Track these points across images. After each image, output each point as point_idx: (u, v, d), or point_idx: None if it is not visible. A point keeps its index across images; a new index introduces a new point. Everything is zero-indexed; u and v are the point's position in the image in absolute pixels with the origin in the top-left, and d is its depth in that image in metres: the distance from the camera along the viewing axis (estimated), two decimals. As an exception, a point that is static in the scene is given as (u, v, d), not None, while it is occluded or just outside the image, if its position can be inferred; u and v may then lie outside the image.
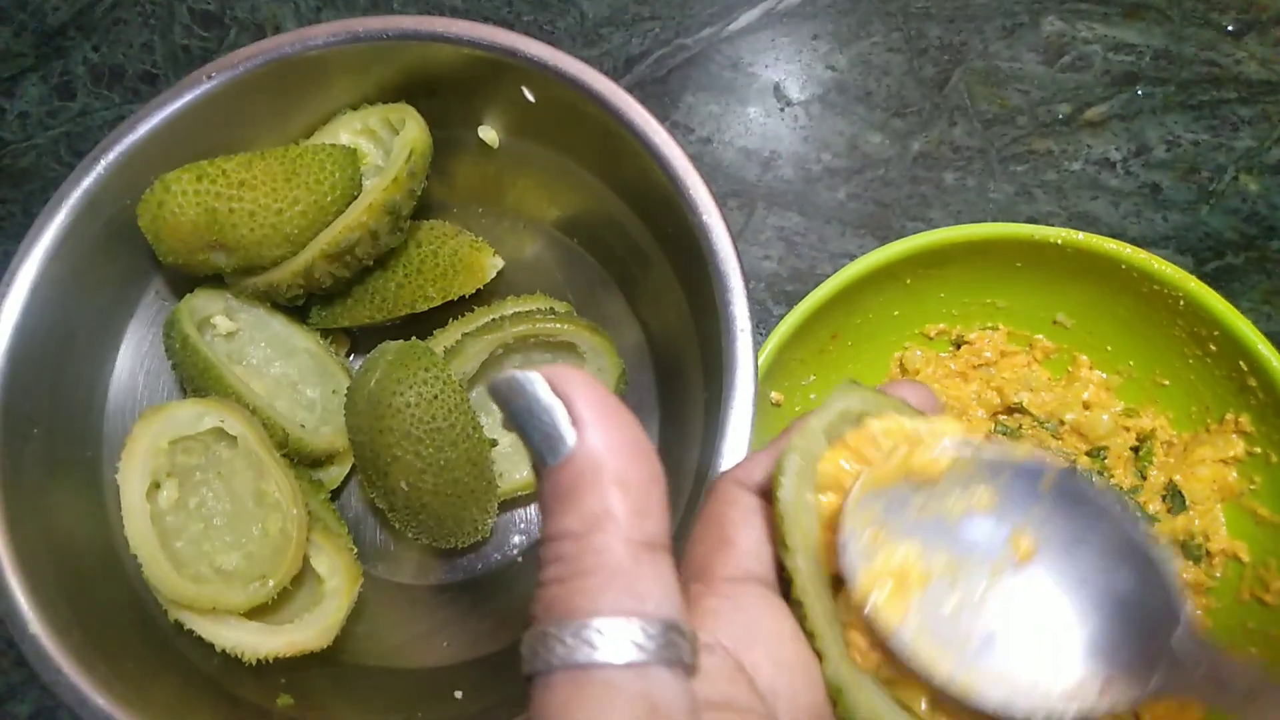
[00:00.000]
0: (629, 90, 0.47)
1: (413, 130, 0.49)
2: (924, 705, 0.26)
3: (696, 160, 0.46)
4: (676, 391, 0.52)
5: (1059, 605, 0.26)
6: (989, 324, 0.54)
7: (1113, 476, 0.52)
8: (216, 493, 0.47)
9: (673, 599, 0.24)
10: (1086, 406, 0.53)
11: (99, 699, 0.41)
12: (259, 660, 0.45)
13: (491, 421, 0.54)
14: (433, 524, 0.49)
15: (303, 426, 0.51)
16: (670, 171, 0.46)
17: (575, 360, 0.52)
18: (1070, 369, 0.54)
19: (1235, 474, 0.49)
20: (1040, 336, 0.54)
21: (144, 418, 0.46)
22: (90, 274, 0.48)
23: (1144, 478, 0.51)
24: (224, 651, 0.46)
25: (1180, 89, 0.63)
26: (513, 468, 0.52)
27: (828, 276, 0.49)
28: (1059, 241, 0.48)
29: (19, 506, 0.44)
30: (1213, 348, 0.48)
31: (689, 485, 0.46)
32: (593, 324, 0.51)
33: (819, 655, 0.26)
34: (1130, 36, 0.64)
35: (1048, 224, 0.49)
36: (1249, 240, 0.60)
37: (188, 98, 0.48)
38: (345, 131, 0.51)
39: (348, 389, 0.49)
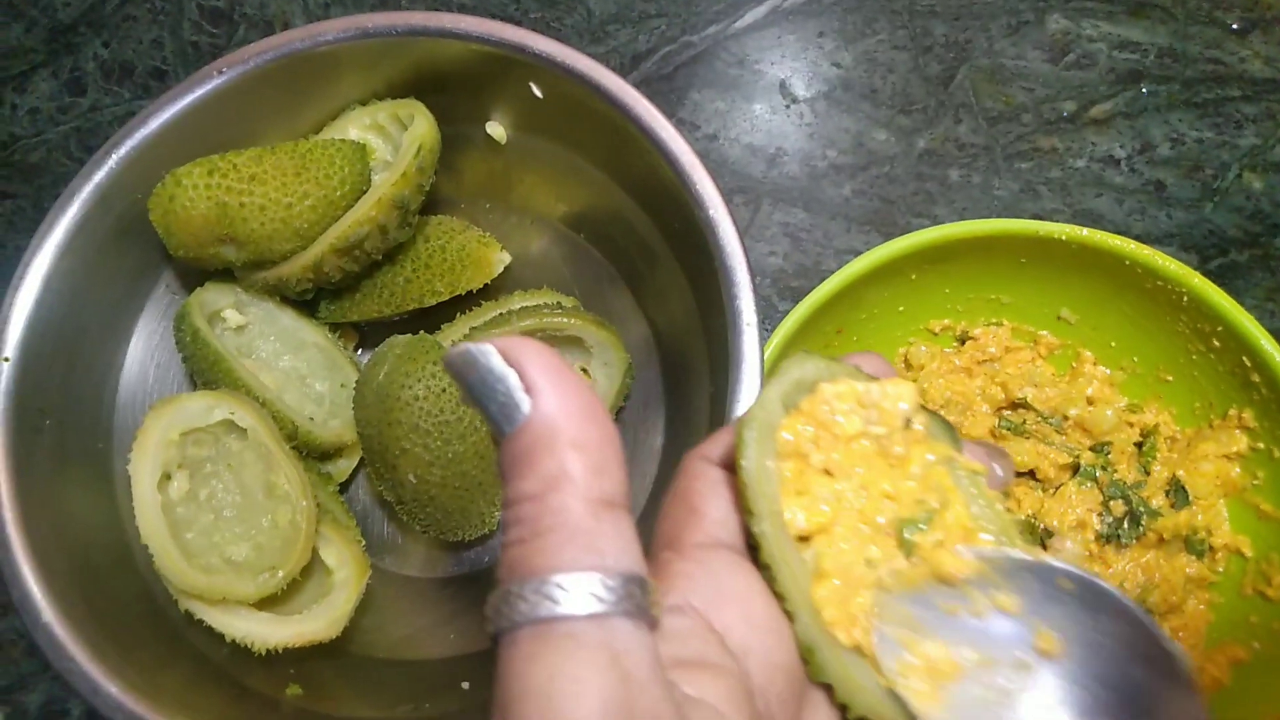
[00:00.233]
0: (635, 87, 0.47)
1: (422, 126, 0.50)
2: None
3: (702, 157, 0.46)
4: (683, 386, 0.52)
5: (1084, 699, 0.28)
6: (993, 320, 0.54)
7: (1116, 472, 0.52)
8: (226, 484, 0.47)
9: (632, 553, 0.24)
10: (1090, 402, 0.53)
11: (111, 687, 0.42)
12: (268, 650, 0.46)
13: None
14: (440, 516, 0.49)
15: (311, 419, 0.51)
16: (677, 167, 0.46)
17: (583, 355, 0.53)
18: (1074, 365, 0.54)
19: (1238, 469, 0.49)
20: (1044, 332, 0.54)
21: (155, 410, 0.46)
22: (101, 268, 0.49)
23: (1147, 473, 0.52)
24: (234, 641, 0.46)
25: (1185, 87, 0.63)
26: (520, 461, 0.53)
27: (832, 272, 0.50)
28: (1063, 237, 0.49)
29: (31, 497, 0.44)
30: (1216, 343, 0.48)
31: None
32: (600, 319, 0.52)
33: (789, 616, 0.27)
34: (1135, 34, 0.64)
35: (1052, 221, 0.49)
36: (1253, 238, 0.61)
37: (198, 92, 0.48)
38: (354, 127, 0.52)
39: (356, 382, 0.50)
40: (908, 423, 0.29)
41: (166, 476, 0.46)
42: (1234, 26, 0.64)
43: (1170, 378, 0.52)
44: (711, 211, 0.45)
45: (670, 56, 0.66)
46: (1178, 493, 0.50)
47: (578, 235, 0.57)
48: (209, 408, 0.47)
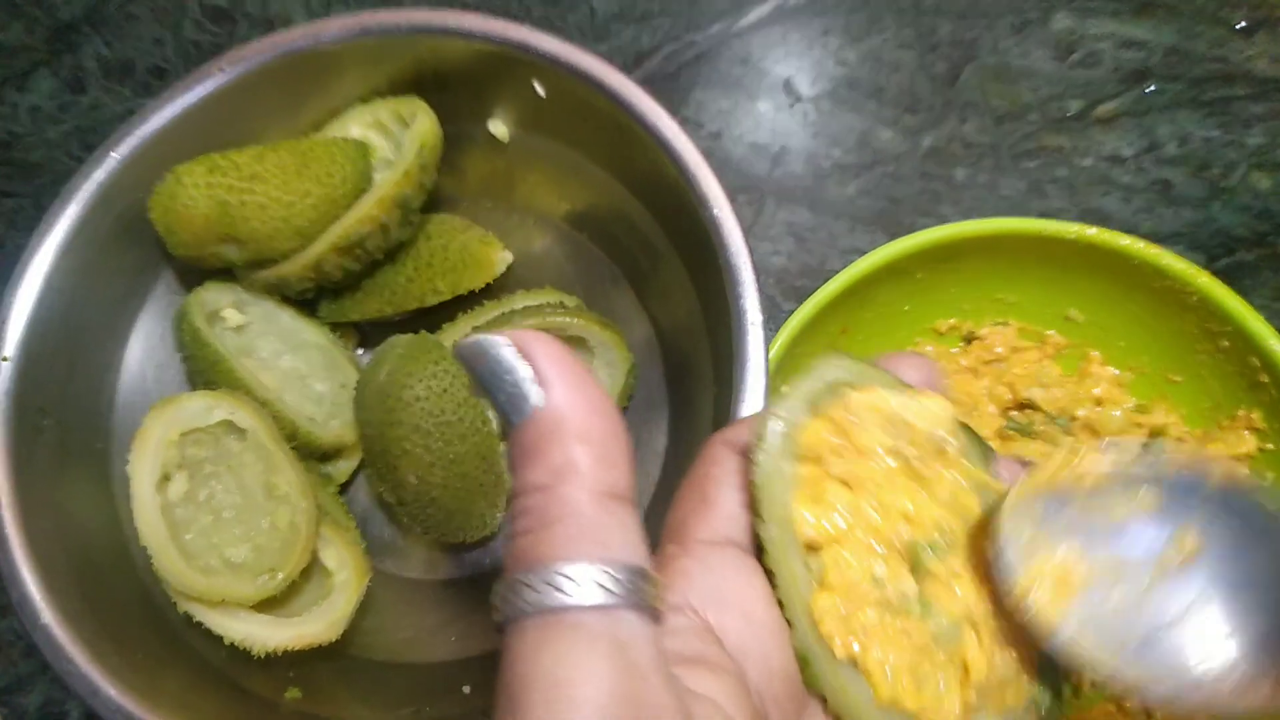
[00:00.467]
0: (639, 86, 0.47)
1: (424, 124, 0.49)
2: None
3: (706, 156, 0.46)
4: (686, 386, 0.52)
5: (1224, 606, 0.27)
6: (1000, 319, 0.54)
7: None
8: (226, 485, 0.47)
9: (637, 546, 0.24)
10: (1098, 403, 0.53)
11: (110, 689, 0.41)
12: (267, 653, 0.46)
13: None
14: (441, 518, 0.49)
15: (312, 420, 0.51)
16: (681, 166, 0.46)
17: (585, 354, 0.52)
18: (1082, 365, 0.54)
19: (1247, 470, 0.49)
20: (1052, 332, 0.54)
21: (154, 410, 0.46)
22: (101, 266, 0.48)
23: (1155, 474, 0.51)
24: (233, 644, 0.46)
25: (1191, 86, 0.63)
26: (522, 462, 0.52)
27: (837, 272, 0.49)
28: (1071, 237, 0.48)
29: (31, 498, 0.44)
30: (1224, 343, 0.48)
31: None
32: (603, 318, 0.51)
33: (788, 623, 0.27)
34: (1141, 33, 0.64)
35: (1059, 220, 0.49)
36: (1260, 237, 0.60)
37: (199, 91, 0.48)
38: (356, 125, 0.51)
39: (357, 383, 0.49)
40: (940, 445, 0.28)
41: (166, 477, 0.46)
42: (1240, 25, 0.63)
43: (1178, 378, 0.51)
44: (716, 210, 0.45)
45: (674, 55, 0.65)
46: (1186, 494, 0.50)
47: (580, 234, 0.56)
48: (209, 408, 0.46)
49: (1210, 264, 0.60)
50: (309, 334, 0.52)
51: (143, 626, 0.46)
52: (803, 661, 0.26)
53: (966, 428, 0.29)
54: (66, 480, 0.47)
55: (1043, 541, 0.27)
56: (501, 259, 0.53)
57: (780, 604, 0.27)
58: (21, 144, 0.65)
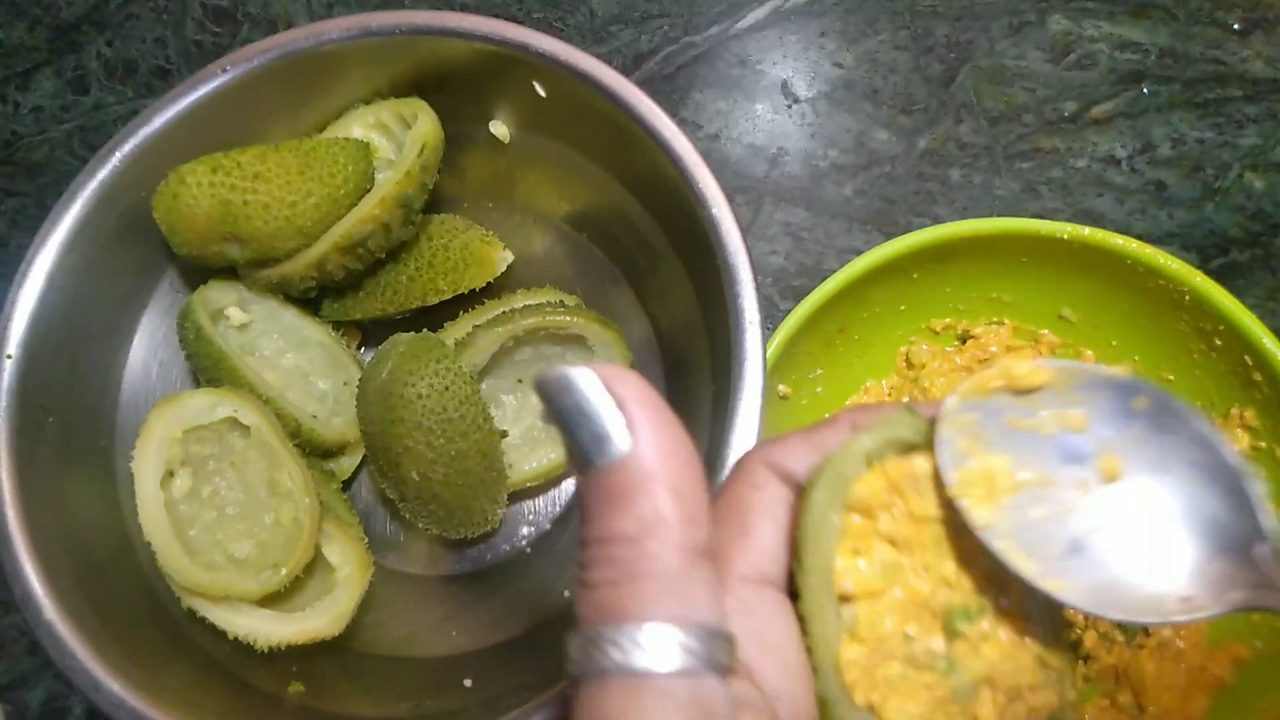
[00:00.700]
0: (638, 87, 0.47)
1: (425, 124, 0.50)
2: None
3: (704, 156, 0.46)
4: (684, 385, 0.52)
5: (1145, 522, 0.27)
6: (995, 319, 0.55)
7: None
8: (230, 482, 0.48)
9: (719, 606, 0.24)
10: (1092, 401, 0.53)
11: (113, 685, 0.42)
12: (271, 648, 0.46)
13: (501, 413, 0.54)
14: (443, 514, 0.49)
15: (314, 417, 0.51)
16: (680, 166, 0.46)
17: (585, 353, 0.53)
18: (1075, 364, 0.54)
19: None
20: (1045, 331, 0.54)
21: (158, 407, 0.46)
22: (105, 265, 0.49)
23: (1149, 472, 0.52)
24: (236, 639, 0.46)
25: (1186, 87, 0.63)
26: (522, 459, 0.53)
27: (834, 272, 0.50)
28: (1065, 236, 0.49)
29: (34, 495, 0.44)
30: (1218, 342, 0.48)
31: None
32: (602, 317, 0.52)
33: (814, 669, 0.27)
34: (1136, 35, 0.64)
35: (1053, 220, 0.50)
36: (1254, 237, 0.61)
37: (202, 91, 0.48)
38: (358, 125, 0.52)
39: (359, 380, 0.50)
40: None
41: (169, 474, 0.46)
42: (1235, 27, 0.64)
43: (1171, 377, 0.52)
44: (714, 210, 0.45)
45: (672, 57, 0.66)
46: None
47: (580, 234, 0.57)
48: (212, 405, 0.47)
49: (1204, 264, 0.60)
50: (312, 332, 0.53)
51: (146, 622, 0.46)
52: (822, 704, 0.27)
53: None
54: (70, 477, 0.47)
55: (977, 448, 0.28)
56: (502, 258, 0.54)
57: (808, 650, 0.27)
58: (24, 144, 0.66)
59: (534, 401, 0.55)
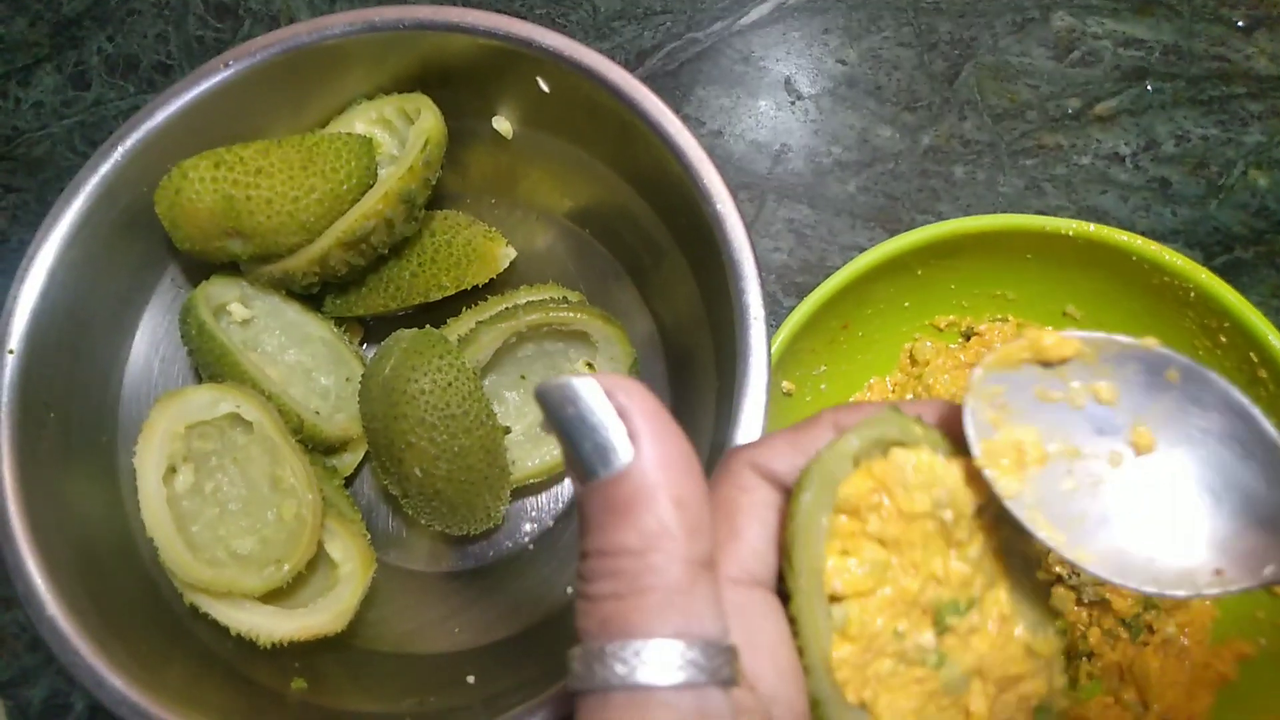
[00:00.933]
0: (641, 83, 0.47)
1: (428, 120, 0.50)
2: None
3: (707, 153, 0.46)
4: (688, 381, 0.52)
5: (1176, 495, 0.27)
6: (999, 315, 0.54)
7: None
8: (232, 478, 0.47)
9: (721, 618, 0.24)
10: (1096, 398, 0.53)
11: (116, 680, 0.42)
12: (273, 644, 0.46)
13: (504, 410, 0.54)
14: (446, 511, 0.49)
15: (317, 413, 0.51)
16: (684, 161, 0.46)
17: (588, 349, 0.53)
18: (1080, 361, 0.54)
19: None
20: (1050, 328, 0.54)
21: (160, 403, 0.46)
22: (107, 260, 0.48)
23: (1153, 469, 0.52)
24: (239, 635, 0.46)
25: (1190, 84, 0.63)
26: (525, 456, 0.53)
27: (837, 268, 0.50)
28: (1070, 233, 0.49)
29: (36, 490, 0.44)
30: (1223, 339, 0.48)
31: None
32: (605, 313, 0.52)
33: (805, 669, 0.27)
34: (1140, 32, 0.64)
35: (1057, 217, 0.50)
36: (1258, 235, 0.61)
37: (205, 86, 0.48)
38: (360, 121, 0.51)
39: (362, 376, 0.50)
40: (980, 510, 0.28)
41: (172, 470, 0.46)
42: (1240, 24, 0.64)
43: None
44: (719, 206, 0.45)
45: (675, 53, 0.65)
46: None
47: (583, 230, 0.57)
48: (215, 401, 0.47)
49: (1208, 261, 0.60)
50: (314, 328, 0.53)
51: (148, 618, 0.46)
52: (814, 703, 0.27)
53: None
54: (71, 473, 0.47)
55: (1004, 420, 0.28)
56: (505, 254, 0.53)
57: (800, 650, 0.27)
58: (25, 139, 0.66)
59: (537, 398, 0.54)
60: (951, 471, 0.28)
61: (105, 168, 0.47)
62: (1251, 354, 0.47)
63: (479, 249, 0.53)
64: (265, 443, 0.47)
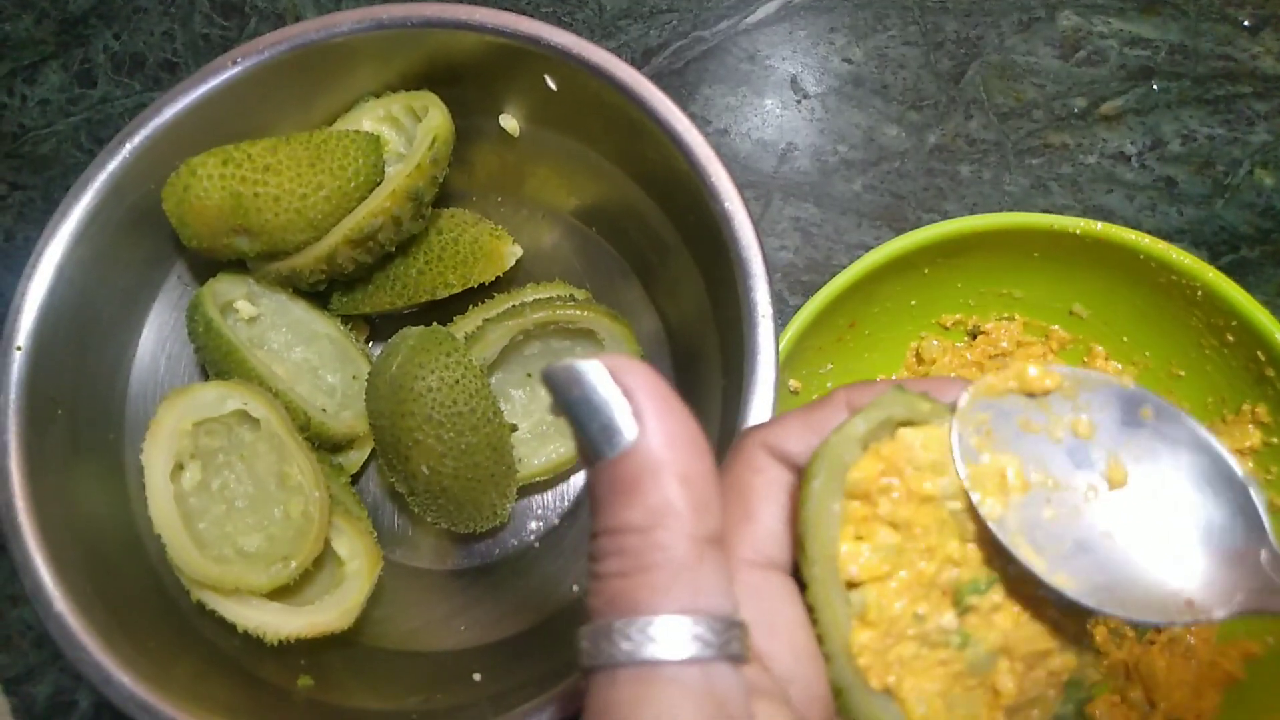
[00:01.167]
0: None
1: (436, 117, 0.50)
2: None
3: (715, 151, 0.46)
4: (694, 380, 0.52)
5: (1149, 527, 0.28)
6: (1005, 314, 0.54)
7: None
8: (239, 475, 0.47)
9: (730, 594, 0.24)
10: (1103, 397, 0.53)
11: (123, 677, 0.41)
12: (280, 641, 0.46)
13: (511, 408, 0.54)
14: (452, 508, 0.49)
15: (323, 411, 0.51)
16: (692, 160, 0.46)
17: (595, 347, 0.53)
18: (1086, 360, 0.54)
19: (1252, 464, 0.49)
20: (1056, 327, 0.54)
21: (168, 400, 0.46)
22: (114, 257, 0.49)
23: (1160, 468, 0.52)
24: (245, 632, 0.46)
25: (1196, 84, 0.63)
26: (532, 454, 0.53)
27: (843, 267, 0.50)
28: (1077, 231, 0.49)
29: (43, 487, 0.44)
30: (1230, 338, 0.48)
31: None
32: (612, 311, 0.52)
33: (825, 657, 0.27)
34: (1146, 31, 0.64)
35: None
36: (1264, 234, 0.61)
37: (213, 83, 0.48)
38: (368, 118, 0.52)
39: (369, 374, 0.50)
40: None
41: (179, 467, 0.46)
42: (1246, 23, 0.64)
43: (1182, 373, 0.52)
44: (727, 204, 0.45)
45: (681, 51, 0.65)
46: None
47: (589, 229, 0.57)
48: (222, 398, 0.47)
49: (1214, 261, 0.60)
50: (321, 326, 0.53)
51: (155, 615, 0.46)
52: (837, 691, 0.27)
53: None
54: (78, 470, 0.47)
55: (989, 447, 0.28)
56: (511, 253, 0.53)
57: (819, 638, 0.27)
58: (31, 137, 0.66)
59: (543, 396, 0.54)
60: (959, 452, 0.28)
61: (113, 164, 0.47)
62: (1259, 353, 0.47)
63: (485, 247, 0.53)
64: (272, 440, 0.47)
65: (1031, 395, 0.29)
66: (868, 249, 0.50)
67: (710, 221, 0.46)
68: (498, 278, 0.53)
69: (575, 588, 0.52)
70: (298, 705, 0.46)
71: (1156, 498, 0.28)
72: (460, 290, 0.53)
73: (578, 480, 0.55)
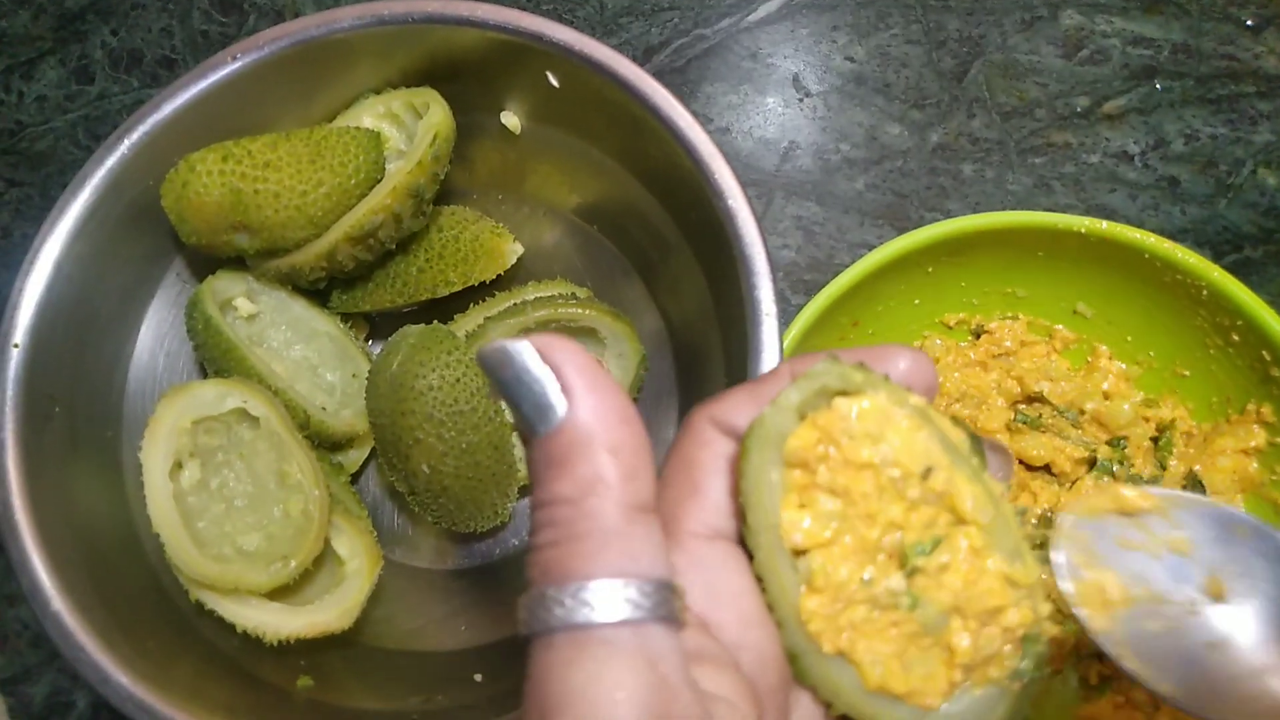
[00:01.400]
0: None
1: (437, 114, 0.49)
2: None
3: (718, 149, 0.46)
4: (696, 378, 0.52)
5: (1251, 639, 0.30)
6: (1009, 313, 0.54)
7: (1133, 466, 0.52)
8: (238, 473, 0.47)
9: (662, 558, 0.25)
10: (1106, 396, 0.53)
11: (121, 677, 0.41)
12: (279, 641, 0.46)
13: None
14: (453, 507, 0.49)
15: (323, 409, 0.51)
16: (696, 157, 0.46)
17: (597, 346, 0.52)
18: (1090, 359, 0.54)
19: (1256, 464, 0.49)
20: (1060, 326, 0.54)
21: (167, 397, 0.46)
22: (112, 254, 0.48)
23: (1164, 468, 0.51)
24: (244, 632, 0.46)
25: (1199, 83, 0.63)
26: (533, 452, 0.52)
27: (846, 266, 0.49)
28: (1082, 230, 0.48)
29: (41, 485, 0.44)
30: (1235, 337, 0.48)
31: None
32: (614, 309, 0.51)
33: (777, 624, 0.27)
34: (1149, 30, 0.64)
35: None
36: (1267, 234, 0.60)
37: (213, 79, 0.48)
38: (368, 115, 0.51)
39: (369, 372, 0.49)
40: (928, 473, 0.28)
41: (178, 465, 0.46)
42: (1248, 23, 0.64)
43: (1187, 372, 0.51)
44: (731, 201, 0.45)
45: (683, 49, 0.65)
46: (1195, 488, 0.50)
47: (590, 227, 0.56)
48: (221, 396, 0.46)
49: (1217, 260, 0.60)
50: (320, 324, 0.52)
51: (153, 614, 0.46)
52: (792, 657, 0.27)
53: (954, 420, 0.30)
54: (76, 468, 0.46)
55: (1090, 563, 0.30)
56: (512, 250, 0.53)
57: (769, 606, 0.27)
58: (28, 133, 0.65)
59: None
60: (893, 413, 0.28)
61: (111, 160, 0.47)
62: (1264, 352, 0.47)
63: (486, 245, 0.52)
64: (272, 438, 0.47)
65: (1127, 514, 0.30)
66: (870, 248, 0.50)
67: (713, 219, 0.46)
68: (498, 276, 0.53)
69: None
70: (297, 705, 0.46)
71: (1257, 612, 0.30)
72: (461, 288, 0.52)
73: (579, 479, 0.55)
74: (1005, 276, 0.53)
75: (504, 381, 0.25)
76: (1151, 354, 0.52)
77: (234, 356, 0.48)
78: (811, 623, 0.27)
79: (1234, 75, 0.63)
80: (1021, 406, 0.54)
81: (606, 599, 0.23)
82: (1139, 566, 0.30)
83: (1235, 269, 0.60)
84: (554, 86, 0.50)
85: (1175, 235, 0.60)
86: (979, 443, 0.30)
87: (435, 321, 0.50)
